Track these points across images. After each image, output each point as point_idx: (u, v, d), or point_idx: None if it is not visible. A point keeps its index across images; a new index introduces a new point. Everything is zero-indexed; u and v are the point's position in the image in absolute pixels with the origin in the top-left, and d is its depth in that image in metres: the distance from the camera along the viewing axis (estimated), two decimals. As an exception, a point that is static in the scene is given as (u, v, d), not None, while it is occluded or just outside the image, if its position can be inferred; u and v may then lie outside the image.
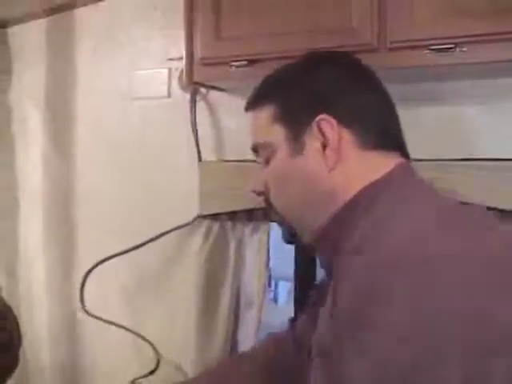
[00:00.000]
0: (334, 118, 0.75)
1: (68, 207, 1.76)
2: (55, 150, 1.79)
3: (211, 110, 1.52)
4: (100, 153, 1.70)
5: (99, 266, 1.53)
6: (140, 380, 1.54)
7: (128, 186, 1.64)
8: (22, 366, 1.24)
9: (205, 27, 1.25)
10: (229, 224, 1.47)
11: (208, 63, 1.27)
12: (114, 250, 1.53)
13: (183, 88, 1.53)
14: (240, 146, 1.47)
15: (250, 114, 0.85)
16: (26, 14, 1.78)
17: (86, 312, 1.54)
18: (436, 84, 1.23)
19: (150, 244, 1.52)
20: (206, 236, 1.47)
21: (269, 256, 1.46)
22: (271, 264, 1.48)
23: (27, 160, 1.85)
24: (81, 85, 1.73)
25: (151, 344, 1.52)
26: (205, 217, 1.47)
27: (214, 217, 1.46)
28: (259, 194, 0.84)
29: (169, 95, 1.57)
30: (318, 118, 0.75)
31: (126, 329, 1.55)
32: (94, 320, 1.54)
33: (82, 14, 1.71)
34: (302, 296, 1.61)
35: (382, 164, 0.75)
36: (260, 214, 1.40)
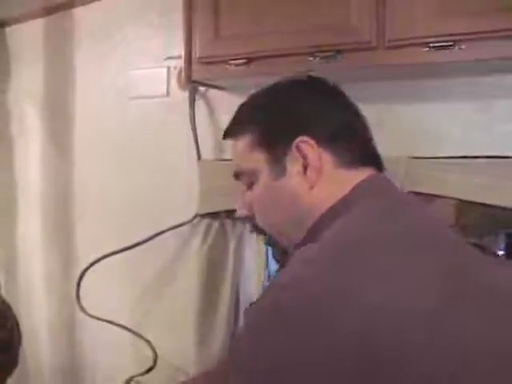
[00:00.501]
0: (313, 139, 0.78)
1: (66, 206, 1.76)
2: (54, 149, 1.79)
3: (210, 108, 1.52)
4: (99, 152, 1.70)
5: (98, 265, 1.53)
6: (138, 379, 1.54)
7: (127, 185, 1.64)
8: (21, 364, 1.24)
9: (203, 26, 1.25)
10: (228, 222, 1.47)
11: (207, 62, 1.27)
12: (113, 249, 1.53)
13: (182, 87, 1.53)
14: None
15: (229, 143, 0.87)
16: (24, 14, 1.78)
17: (83, 310, 1.53)
18: (435, 81, 1.23)
19: (149, 243, 1.52)
20: (206, 235, 1.47)
21: (268, 254, 1.46)
22: (270, 262, 1.48)
23: (26, 159, 1.85)
24: (79, 84, 1.73)
25: (148, 342, 1.52)
26: (204, 215, 1.47)
27: (214, 215, 1.46)
28: (246, 217, 0.87)
29: (167, 94, 1.57)
30: (297, 140, 0.77)
31: (124, 327, 1.54)
32: (93, 319, 1.54)
33: (80, 13, 1.71)
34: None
35: (352, 180, 0.78)
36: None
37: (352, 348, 0.55)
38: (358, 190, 0.77)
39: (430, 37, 1.03)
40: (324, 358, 0.56)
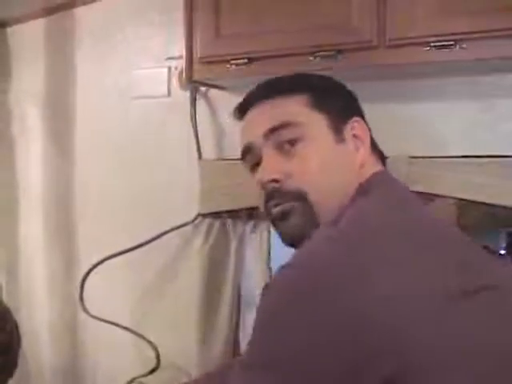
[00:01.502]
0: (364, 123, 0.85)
1: (68, 206, 1.76)
2: (55, 150, 1.79)
3: (211, 108, 1.52)
4: (100, 152, 1.70)
5: (101, 266, 1.53)
6: (140, 379, 1.54)
7: (128, 185, 1.64)
8: (22, 366, 1.24)
9: (204, 26, 1.25)
10: (230, 222, 1.47)
11: (207, 61, 1.27)
12: (115, 249, 1.53)
13: (183, 87, 1.53)
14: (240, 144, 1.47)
15: (268, 102, 0.84)
16: (25, 14, 1.78)
17: (87, 312, 1.53)
18: (436, 80, 1.23)
19: (151, 243, 1.52)
20: (207, 235, 1.47)
21: (270, 254, 1.46)
22: (273, 263, 1.48)
23: (27, 159, 1.85)
24: (80, 84, 1.73)
25: (151, 343, 1.52)
26: (205, 215, 1.47)
27: (215, 215, 1.46)
28: (273, 181, 0.81)
29: (168, 94, 1.57)
30: (355, 119, 0.83)
31: (128, 329, 1.54)
32: (95, 320, 1.54)
33: (80, 13, 1.71)
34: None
35: (374, 168, 0.83)
36: (261, 212, 1.40)
37: (353, 334, 0.56)
38: (376, 178, 0.80)
39: (431, 36, 1.03)
40: (329, 340, 0.57)
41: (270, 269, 1.45)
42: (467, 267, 0.64)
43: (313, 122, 0.80)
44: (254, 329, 0.63)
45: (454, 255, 0.66)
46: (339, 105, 0.84)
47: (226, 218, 1.46)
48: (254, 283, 1.47)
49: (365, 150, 0.82)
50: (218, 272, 1.47)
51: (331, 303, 0.57)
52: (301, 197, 0.79)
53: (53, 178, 1.79)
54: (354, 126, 0.83)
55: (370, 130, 0.86)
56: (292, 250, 0.84)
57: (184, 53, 1.30)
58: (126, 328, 1.54)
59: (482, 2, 0.99)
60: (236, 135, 1.47)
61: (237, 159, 1.44)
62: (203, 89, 1.50)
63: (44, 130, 1.81)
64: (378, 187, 0.77)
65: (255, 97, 0.86)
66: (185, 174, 1.53)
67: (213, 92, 1.50)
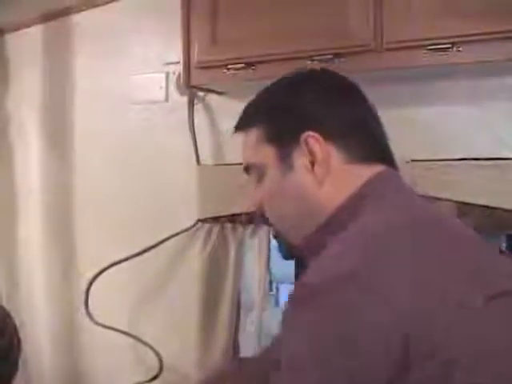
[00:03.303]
0: (321, 135, 0.77)
1: (67, 212, 1.76)
2: (54, 155, 1.79)
3: (209, 113, 1.52)
4: (98, 157, 1.70)
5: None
6: (142, 384, 1.53)
7: (126, 191, 1.64)
8: (23, 371, 1.23)
9: (201, 31, 1.26)
10: (229, 227, 1.46)
11: (205, 67, 1.27)
12: (115, 255, 1.52)
13: (181, 92, 1.53)
14: (238, 148, 1.47)
15: (241, 134, 0.87)
16: (24, 21, 1.79)
17: (91, 318, 1.53)
18: (433, 83, 1.23)
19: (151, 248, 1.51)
20: (206, 239, 1.47)
21: (269, 258, 1.45)
22: (272, 267, 1.48)
23: (26, 165, 1.85)
24: (78, 90, 1.73)
25: (154, 350, 1.51)
26: (205, 220, 1.47)
27: (214, 220, 1.46)
28: (255, 212, 0.86)
29: (166, 99, 1.57)
30: (304, 136, 0.77)
31: (132, 336, 1.54)
32: (95, 325, 1.54)
33: (78, 19, 1.72)
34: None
35: (363, 175, 0.77)
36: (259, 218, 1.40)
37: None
38: (371, 185, 0.76)
39: (428, 39, 1.03)
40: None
41: (269, 273, 1.45)
42: (486, 273, 0.65)
43: (264, 159, 0.81)
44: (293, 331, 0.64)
45: (473, 261, 0.66)
46: (290, 124, 0.80)
47: (225, 223, 1.46)
48: (254, 287, 1.47)
49: (321, 167, 0.77)
50: (218, 276, 1.47)
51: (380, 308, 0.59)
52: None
53: (52, 182, 1.79)
54: (307, 142, 0.77)
55: (344, 136, 0.79)
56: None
57: (181, 58, 1.30)
58: (131, 335, 1.54)
59: (478, 4, 1.00)
60: (234, 140, 1.48)
61: (235, 164, 1.45)
62: (201, 94, 1.50)
63: (42, 135, 1.81)
64: (375, 196, 0.75)
65: (234, 128, 0.89)
66: (183, 180, 1.53)
67: (211, 97, 1.50)
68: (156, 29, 1.58)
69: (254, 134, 0.83)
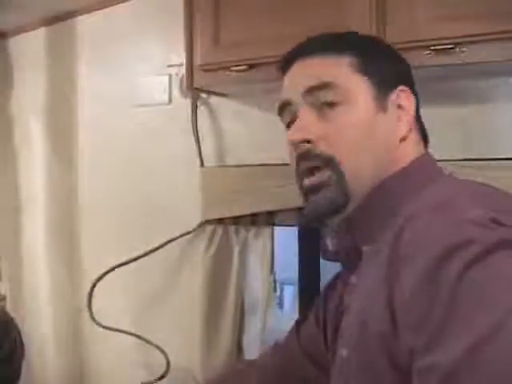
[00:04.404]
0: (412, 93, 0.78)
1: (71, 215, 1.76)
2: (57, 158, 1.79)
3: (212, 115, 1.52)
4: (102, 160, 1.70)
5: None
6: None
7: (130, 193, 1.64)
8: (27, 374, 1.24)
9: (204, 33, 1.26)
10: (232, 229, 1.46)
11: (208, 69, 1.27)
12: (118, 257, 1.52)
13: (184, 94, 1.53)
14: (242, 150, 1.48)
15: (312, 59, 0.78)
16: (26, 24, 1.79)
17: (95, 321, 1.53)
18: (436, 84, 1.23)
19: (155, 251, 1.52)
20: (210, 241, 1.47)
21: (273, 260, 1.45)
22: (276, 268, 1.48)
23: (29, 168, 1.85)
24: (81, 93, 1.74)
25: (160, 349, 1.51)
26: (208, 222, 1.47)
27: (218, 222, 1.46)
28: (305, 141, 0.76)
29: (169, 101, 1.58)
30: (401, 87, 0.77)
31: (138, 336, 1.54)
32: (100, 328, 1.54)
33: (81, 22, 1.72)
34: (306, 300, 1.60)
35: (418, 152, 0.78)
36: (263, 218, 1.40)
37: None
38: (425, 168, 0.76)
39: (432, 40, 1.03)
40: None
41: (272, 274, 1.45)
42: None
43: (355, 86, 0.75)
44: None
45: None
46: (386, 70, 0.77)
47: (228, 225, 1.46)
48: (257, 289, 1.47)
49: (408, 123, 0.76)
50: (222, 278, 1.47)
51: None
52: (332, 163, 0.74)
53: (55, 186, 1.80)
54: (399, 95, 0.76)
55: (418, 102, 0.79)
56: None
57: (184, 60, 1.30)
58: (138, 336, 1.54)
59: (481, 5, 0.99)
60: (237, 142, 1.49)
61: (238, 166, 1.45)
62: (204, 96, 1.50)
63: (46, 138, 1.81)
64: (438, 171, 0.76)
65: (300, 52, 0.80)
66: (187, 181, 1.53)
67: (214, 99, 1.50)
68: (159, 31, 1.58)
69: (343, 59, 0.76)
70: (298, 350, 0.99)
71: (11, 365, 1.19)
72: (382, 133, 0.75)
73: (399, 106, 0.76)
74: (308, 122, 0.75)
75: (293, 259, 1.58)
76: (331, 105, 0.75)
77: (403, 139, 0.75)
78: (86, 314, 1.55)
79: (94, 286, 1.53)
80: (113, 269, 1.52)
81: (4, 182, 1.89)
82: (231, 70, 1.22)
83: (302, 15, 1.15)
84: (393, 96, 0.76)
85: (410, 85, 0.80)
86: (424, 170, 0.76)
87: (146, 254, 1.51)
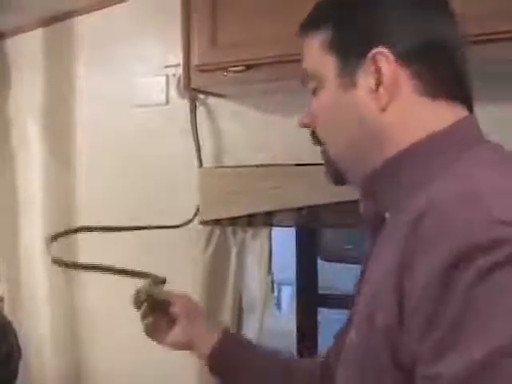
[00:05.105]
0: (393, 53, 0.66)
1: (69, 216, 1.76)
2: (55, 159, 1.79)
3: (210, 116, 1.52)
4: (99, 161, 1.70)
5: (103, 276, 1.52)
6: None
7: (128, 194, 1.64)
8: (24, 375, 1.24)
9: (201, 34, 1.26)
10: (230, 229, 1.46)
11: (205, 69, 1.27)
12: (116, 258, 1.52)
13: (181, 94, 1.53)
14: (239, 151, 1.48)
15: (304, 36, 0.76)
16: (24, 25, 1.79)
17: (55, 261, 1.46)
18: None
19: (152, 251, 1.51)
20: (208, 242, 1.47)
21: (271, 261, 1.45)
22: (274, 269, 1.48)
23: (27, 169, 1.85)
24: (79, 93, 1.73)
25: (145, 274, 1.47)
26: (206, 222, 1.47)
27: (215, 223, 1.46)
28: (305, 125, 0.76)
29: (167, 102, 1.58)
30: (373, 51, 0.66)
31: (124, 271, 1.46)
32: (98, 328, 1.54)
33: (79, 23, 1.72)
34: (304, 300, 1.60)
35: (444, 116, 0.67)
36: (261, 219, 1.40)
37: None
38: (462, 132, 0.66)
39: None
40: None
41: (270, 275, 1.45)
42: None
43: (323, 68, 0.71)
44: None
45: None
46: (358, 35, 0.68)
47: (226, 226, 1.46)
48: (255, 289, 1.47)
49: (386, 90, 0.65)
50: (219, 279, 1.47)
51: None
52: (324, 147, 0.74)
53: (53, 187, 1.80)
54: (375, 60, 0.65)
55: (421, 61, 0.66)
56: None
57: (182, 61, 1.30)
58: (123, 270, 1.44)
59: (483, 5, 0.99)
60: (235, 142, 1.49)
61: (236, 166, 1.45)
62: (202, 97, 1.51)
63: (44, 139, 1.81)
64: (470, 145, 0.64)
65: (298, 30, 0.78)
66: (184, 182, 1.53)
67: (211, 100, 1.50)
68: (156, 31, 1.58)
69: (316, 40, 0.72)
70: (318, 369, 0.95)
71: (9, 367, 1.19)
72: (353, 110, 0.68)
73: (377, 72, 0.66)
74: (308, 110, 0.75)
75: (290, 260, 1.58)
76: (314, 92, 0.73)
77: (382, 109, 0.66)
78: (85, 315, 1.55)
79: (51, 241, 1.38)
80: (77, 230, 1.48)
81: (2, 182, 1.89)
82: (228, 71, 1.22)
83: (300, 16, 1.13)
84: (367, 63, 0.67)
85: (396, 37, 0.67)
86: (456, 135, 0.66)
87: (137, 228, 1.45)
